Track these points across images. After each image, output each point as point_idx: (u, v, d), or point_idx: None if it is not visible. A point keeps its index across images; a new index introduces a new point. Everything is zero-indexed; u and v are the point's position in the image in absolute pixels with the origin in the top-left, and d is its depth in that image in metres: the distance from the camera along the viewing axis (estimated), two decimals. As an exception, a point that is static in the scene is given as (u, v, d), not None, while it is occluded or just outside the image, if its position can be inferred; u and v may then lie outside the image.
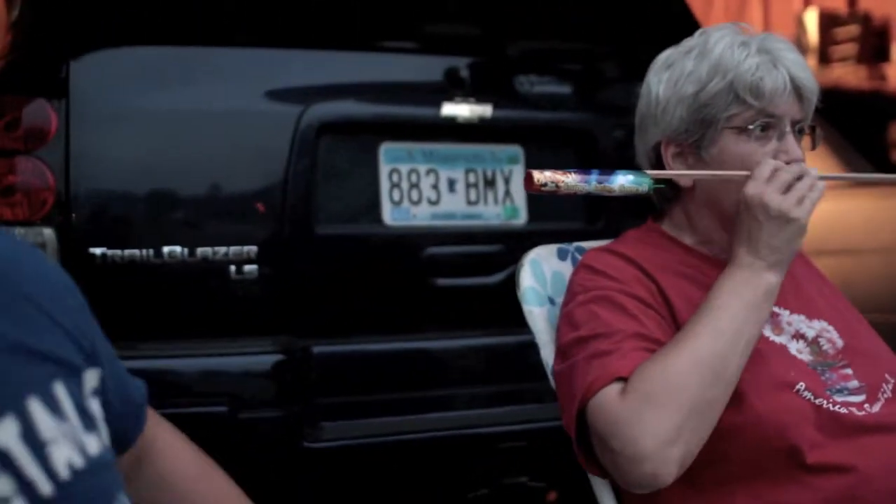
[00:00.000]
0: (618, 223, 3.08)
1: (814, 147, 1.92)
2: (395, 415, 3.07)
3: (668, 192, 1.96)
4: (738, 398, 1.71)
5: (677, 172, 1.88)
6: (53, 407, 1.02)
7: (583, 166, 3.36)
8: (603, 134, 3.37)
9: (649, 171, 1.82)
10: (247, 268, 2.88)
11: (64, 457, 1.02)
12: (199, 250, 2.84)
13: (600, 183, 1.75)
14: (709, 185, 1.89)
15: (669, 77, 1.91)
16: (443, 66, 3.18)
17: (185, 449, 1.46)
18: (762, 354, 1.78)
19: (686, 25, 3.66)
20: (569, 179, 1.72)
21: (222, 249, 2.86)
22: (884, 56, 12.96)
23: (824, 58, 12.81)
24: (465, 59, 3.22)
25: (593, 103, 3.48)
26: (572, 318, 1.82)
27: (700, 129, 1.87)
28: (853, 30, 13.07)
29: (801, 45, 7.64)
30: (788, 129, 1.85)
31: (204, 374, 2.91)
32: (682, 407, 1.63)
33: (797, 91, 1.85)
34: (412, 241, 3.13)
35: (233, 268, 2.87)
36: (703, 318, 1.72)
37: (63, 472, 1.01)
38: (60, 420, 1.03)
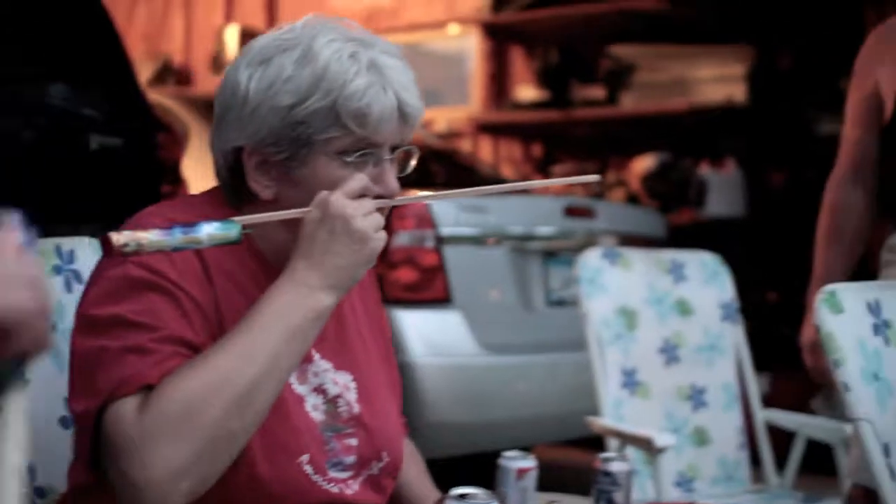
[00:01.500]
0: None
1: (402, 172, 1.74)
2: None
3: (242, 196, 1.71)
4: (242, 452, 1.56)
5: (268, 216, 1.64)
6: None
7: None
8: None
9: (237, 219, 1.58)
10: None
11: None
12: None
13: (185, 234, 1.52)
14: (294, 199, 1.66)
15: (263, 76, 1.66)
16: None
17: None
18: (282, 405, 1.64)
19: (104, 29, 3.62)
20: (151, 237, 1.49)
21: None
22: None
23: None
24: None
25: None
26: (115, 287, 1.57)
27: (292, 146, 1.64)
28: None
29: (220, 61, 7.70)
30: (387, 156, 1.68)
31: None
32: (200, 437, 1.47)
33: (403, 117, 1.66)
34: None
35: None
36: (239, 337, 1.54)
37: None
38: None
